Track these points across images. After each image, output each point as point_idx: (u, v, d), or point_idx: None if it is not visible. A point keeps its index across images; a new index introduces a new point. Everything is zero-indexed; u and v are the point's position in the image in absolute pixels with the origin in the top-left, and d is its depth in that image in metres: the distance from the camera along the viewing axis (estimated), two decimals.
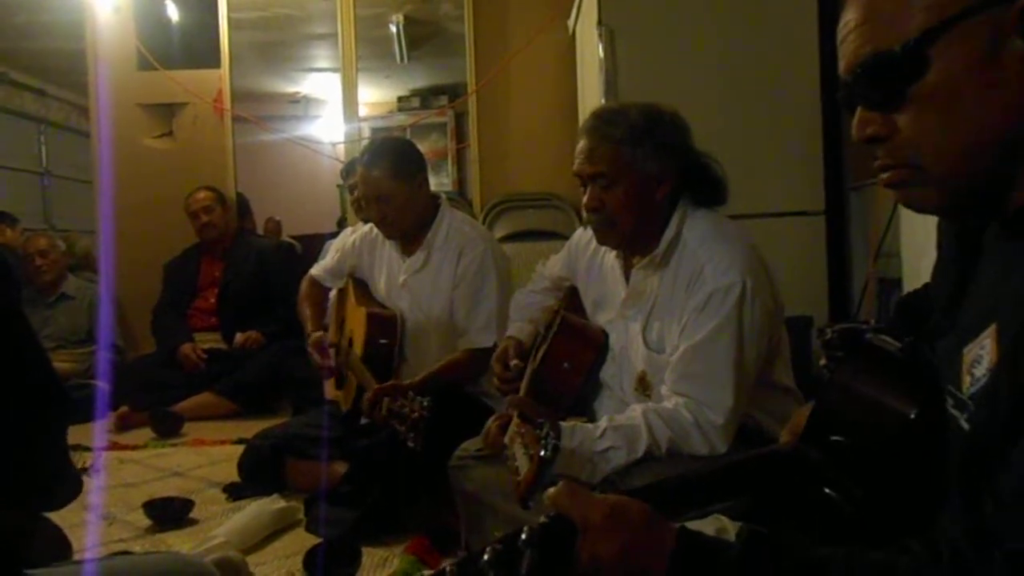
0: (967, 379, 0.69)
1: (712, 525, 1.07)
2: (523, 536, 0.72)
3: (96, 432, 3.28)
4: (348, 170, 3.25)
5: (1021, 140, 0.67)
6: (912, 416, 0.75)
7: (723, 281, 1.49)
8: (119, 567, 1.16)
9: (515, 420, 1.44)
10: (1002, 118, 0.67)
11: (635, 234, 1.60)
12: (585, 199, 1.61)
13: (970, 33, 0.67)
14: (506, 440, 1.48)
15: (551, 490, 0.79)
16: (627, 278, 1.66)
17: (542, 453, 1.30)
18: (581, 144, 1.60)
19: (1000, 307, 0.67)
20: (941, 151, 0.70)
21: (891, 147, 0.72)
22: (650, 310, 1.60)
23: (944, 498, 0.73)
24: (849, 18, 0.73)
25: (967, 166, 0.69)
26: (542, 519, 0.77)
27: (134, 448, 3.16)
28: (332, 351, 2.36)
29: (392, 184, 2.23)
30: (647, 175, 1.56)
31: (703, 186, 1.61)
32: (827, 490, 0.79)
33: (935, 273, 0.89)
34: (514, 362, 1.75)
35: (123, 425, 3.46)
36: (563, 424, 1.48)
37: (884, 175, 0.74)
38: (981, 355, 0.67)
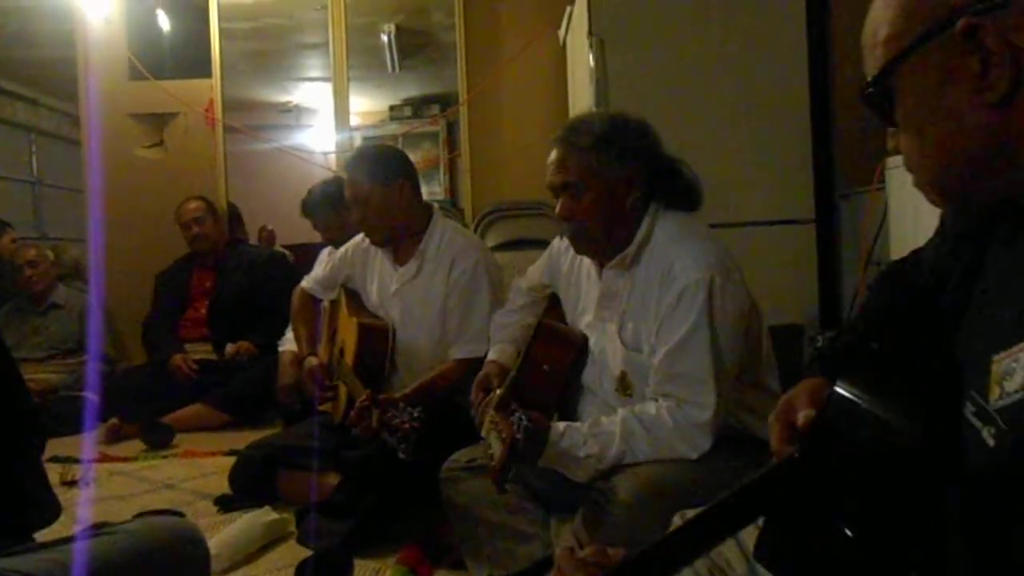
0: (996, 390, 0.66)
1: None
2: None
3: (86, 444, 3.26)
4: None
5: (999, 150, 0.69)
6: (916, 433, 0.73)
7: (692, 278, 1.52)
8: (110, 544, 1.15)
9: (490, 414, 1.50)
10: (969, 134, 0.70)
11: (607, 240, 1.63)
12: (557, 208, 1.64)
13: (925, 61, 0.71)
14: (483, 433, 1.52)
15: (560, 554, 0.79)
16: (601, 279, 1.69)
17: (516, 436, 1.37)
18: (551, 156, 1.64)
19: None
20: (922, 167, 0.75)
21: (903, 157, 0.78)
22: (624, 310, 1.63)
23: (950, 521, 0.70)
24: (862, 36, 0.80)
25: (949, 180, 0.74)
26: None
27: (124, 460, 3.14)
28: (326, 384, 2.36)
29: (369, 187, 2.26)
30: (614, 181, 1.60)
31: (674, 191, 1.64)
32: (835, 523, 0.77)
33: (933, 244, 0.91)
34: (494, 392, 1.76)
35: (113, 437, 3.43)
36: (558, 424, 1.54)
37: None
38: (1014, 368, 0.65)
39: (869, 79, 0.75)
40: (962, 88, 0.69)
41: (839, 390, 0.81)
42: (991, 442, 0.65)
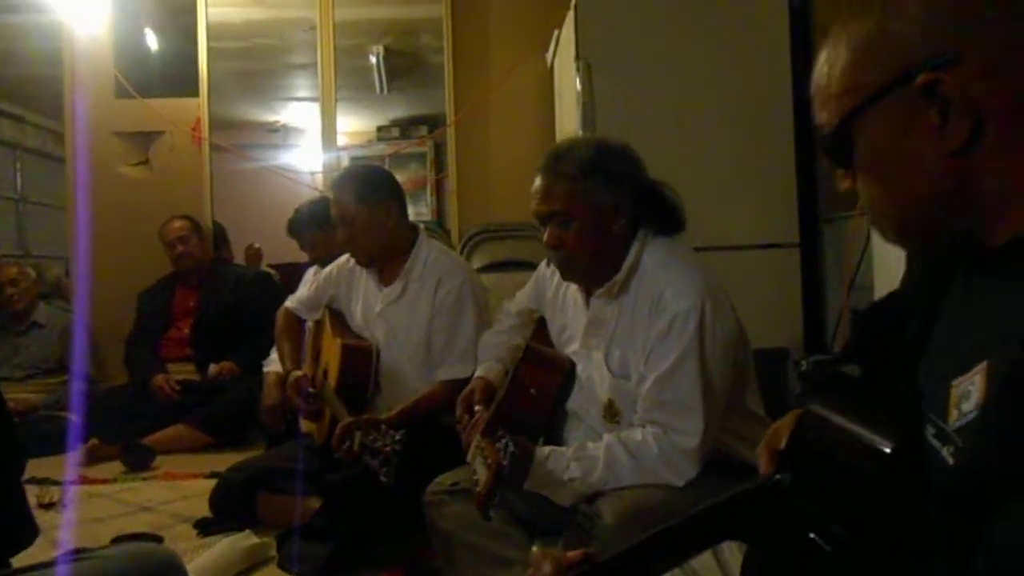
0: (954, 412, 0.69)
1: None
2: None
3: (65, 465, 3.20)
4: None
5: (955, 195, 0.72)
6: (888, 450, 0.76)
7: (683, 306, 1.52)
8: (86, 570, 1.14)
9: (476, 439, 1.48)
10: (928, 181, 0.73)
11: (596, 267, 1.63)
12: (545, 237, 1.63)
13: (885, 112, 0.73)
14: (468, 458, 1.51)
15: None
16: (588, 307, 1.68)
17: (502, 462, 1.34)
18: (536, 184, 1.63)
19: (992, 344, 0.68)
20: (884, 211, 0.78)
21: (861, 199, 0.80)
22: (611, 337, 1.62)
23: (927, 536, 0.72)
24: (811, 83, 0.81)
25: (910, 223, 0.76)
26: None
27: (103, 482, 3.10)
28: (311, 391, 2.34)
29: (356, 207, 2.25)
30: (602, 207, 1.58)
31: (660, 214, 1.64)
32: (811, 535, 0.78)
33: (905, 283, 0.94)
34: (477, 408, 1.75)
35: (93, 458, 3.38)
36: (543, 448, 1.54)
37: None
38: (970, 390, 0.68)
39: (828, 128, 0.78)
40: (922, 137, 0.72)
41: (812, 408, 0.85)
42: (951, 460, 0.69)
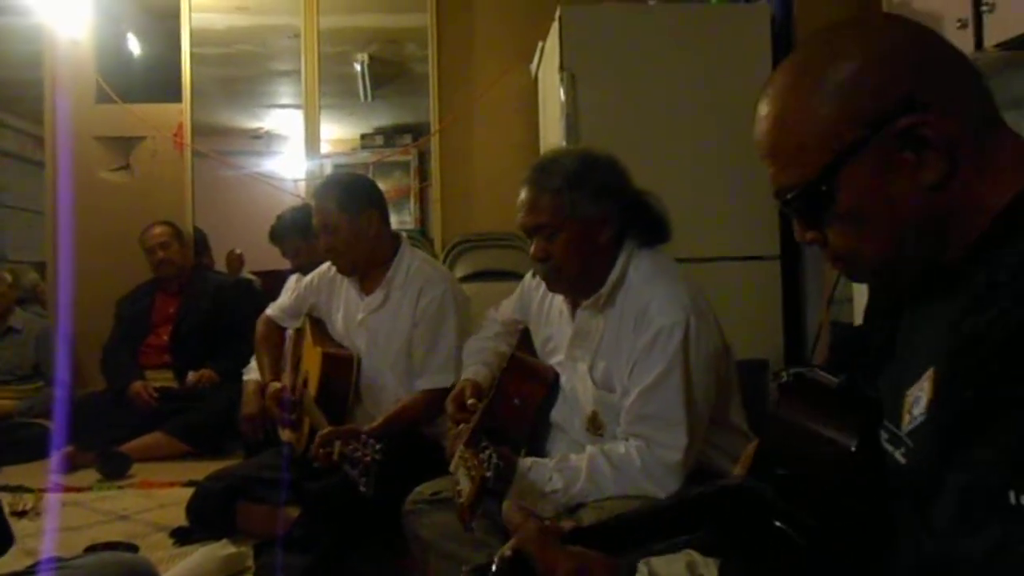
0: (907, 417, 0.74)
1: (683, 559, 1.09)
2: (493, 568, 0.77)
3: (40, 473, 3.16)
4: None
5: (932, 226, 0.75)
6: (853, 448, 0.80)
7: (668, 320, 1.52)
8: None
9: (460, 449, 1.47)
10: (910, 217, 0.75)
11: (583, 278, 1.63)
12: (532, 250, 1.63)
13: (863, 159, 0.75)
14: (452, 468, 1.50)
15: (522, 533, 0.82)
16: (574, 319, 1.68)
17: (486, 474, 1.34)
18: (522, 197, 1.62)
19: (939, 353, 0.72)
20: (865, 255, 0.79)
21: (828, 249, 0.81)
22: (596, 349, 1.62)
23: (889, 531, 0.76)
24: (758, 139, 0.82)
25: (891, 261, 0.78)
26: (509, 553, 0.81)
27: (78, 490, 3.06)
28: (291, 399, 2.32)
29: (338, 216, 2.25)
30: (588, 220, 1.58)
31: (646, 224, 1.64)
32: (777, 523, 0.81)
33: (868, 311, 0.97)
34: (470, 401, 1.74)
35: (68, 465, 3.33)
36: (525, 459, 1.53)
37: (831, 262, 0.83)
38: (920, 396, 0.72)
39: (800, 186, 0.78)
40: (901, 177, 0.74)
41: (784, 413, 0.90)
42: (903, 461, 0.73)
